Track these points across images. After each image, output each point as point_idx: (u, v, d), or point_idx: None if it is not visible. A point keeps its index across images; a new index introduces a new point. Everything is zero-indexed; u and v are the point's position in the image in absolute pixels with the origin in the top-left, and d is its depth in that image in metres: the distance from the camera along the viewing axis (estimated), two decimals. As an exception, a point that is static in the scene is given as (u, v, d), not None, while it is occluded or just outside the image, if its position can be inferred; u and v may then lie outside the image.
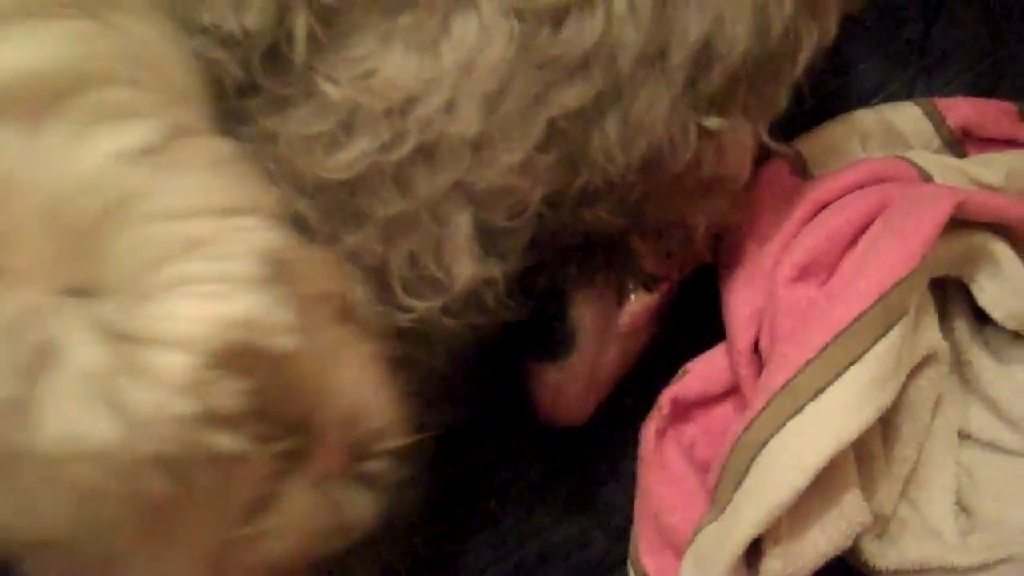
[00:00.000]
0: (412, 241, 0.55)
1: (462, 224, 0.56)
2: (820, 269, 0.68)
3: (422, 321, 0.57)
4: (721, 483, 0.66)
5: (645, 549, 0.70)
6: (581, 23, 0.54)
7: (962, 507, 0.69)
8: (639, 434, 0.74)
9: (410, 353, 0.58)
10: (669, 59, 0.56)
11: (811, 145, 0.75)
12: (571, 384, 0.73)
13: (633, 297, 0.73)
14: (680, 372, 0.73)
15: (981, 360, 0.70)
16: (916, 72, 0.80)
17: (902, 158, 0.73)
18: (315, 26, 0.53)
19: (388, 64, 0.53)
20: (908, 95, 0.79)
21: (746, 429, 0.64)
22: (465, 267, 0.56)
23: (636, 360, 0.76)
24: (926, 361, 0.67)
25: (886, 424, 0.67)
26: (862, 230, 0.68)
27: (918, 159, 0.73)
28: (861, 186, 0.71)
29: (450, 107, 0.53)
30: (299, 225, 0.53)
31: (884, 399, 0.63)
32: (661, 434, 0.71)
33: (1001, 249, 0.69)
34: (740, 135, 0.63)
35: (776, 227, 0.71)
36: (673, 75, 0.56)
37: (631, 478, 0.75)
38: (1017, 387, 0.69)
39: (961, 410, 0.70)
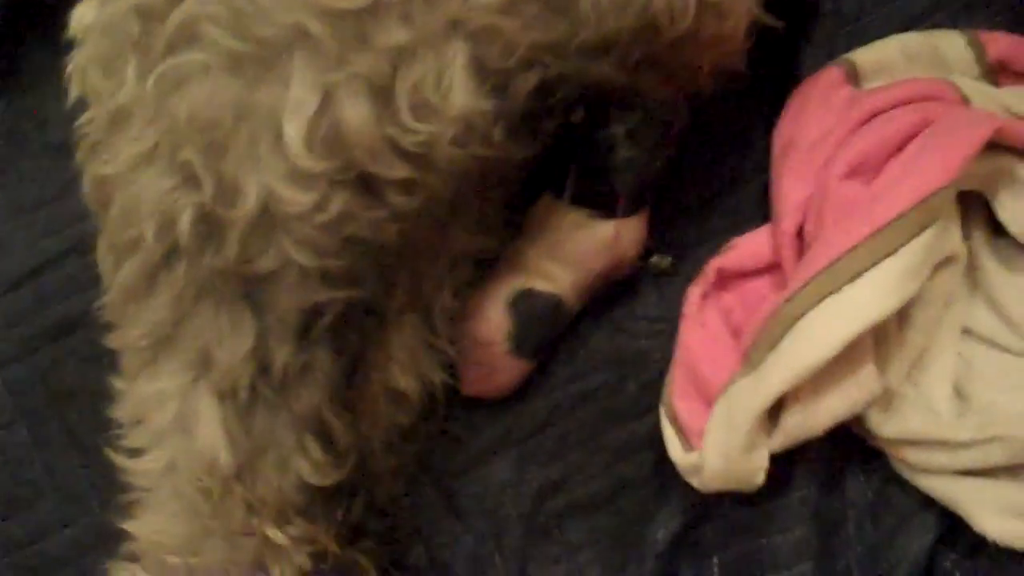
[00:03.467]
0: (415, 69, 0.61)
1: (458, 57, 0.61)
2: (868, 170, 0.75)
3: (427, 145, 0.62)
4: (756, 345, 0.73)
5: (678, 394, 0.77)
6: None
7: (958, 392, 0.76)
8: (674, 297, 0.82)
9: (415, 176, 0.64)
10: None
11: (864, 59, 0.81)
12: (499, 374, 0.82)
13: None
14: (726, 245, 0.80)
15: (992, 267, 0.77)
16: (962, 6, 0.85)
17: (947, 81, 0.79)
18: None
19: None
20: (953, 26, 0.84)
21: (787, 301, 0.72)
22: (459, 96, 0.62)
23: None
24: (945, 262, 0.75)
25: (902, 312, 0.74)
26: (908, 140, 0.75)
27: (960, 83, 0.78)
28: (910, 101, 0.77)
29: None
30: (314, 45, 0.60)
31: (910, 289, 0.71)
32: (704, 297, 0.79)
33: (1025, 173, 0.76)
34: (737, 3, 0.68)
35: (827, 127, 0.78)
36: None
37: (665, 337, 0.82)
38: (1021, 293, 0.76)
39: (968, 309, 0.78)
